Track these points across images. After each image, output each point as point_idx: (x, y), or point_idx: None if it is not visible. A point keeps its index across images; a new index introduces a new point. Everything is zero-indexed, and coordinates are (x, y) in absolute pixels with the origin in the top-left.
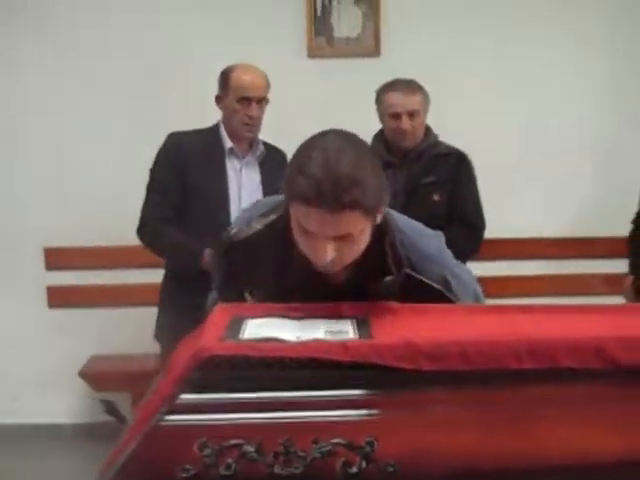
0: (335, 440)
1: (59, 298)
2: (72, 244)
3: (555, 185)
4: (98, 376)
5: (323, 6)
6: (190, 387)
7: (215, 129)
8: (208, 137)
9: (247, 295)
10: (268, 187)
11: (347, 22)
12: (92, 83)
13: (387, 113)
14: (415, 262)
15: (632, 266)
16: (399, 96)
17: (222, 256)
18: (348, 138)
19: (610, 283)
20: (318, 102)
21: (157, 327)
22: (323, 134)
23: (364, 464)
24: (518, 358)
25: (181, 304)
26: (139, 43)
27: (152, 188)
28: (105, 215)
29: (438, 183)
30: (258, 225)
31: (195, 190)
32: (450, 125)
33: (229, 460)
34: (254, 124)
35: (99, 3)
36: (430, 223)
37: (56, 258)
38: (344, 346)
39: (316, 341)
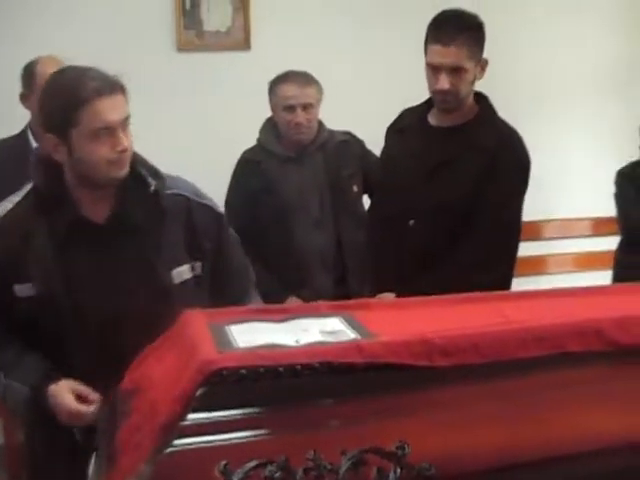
0: (363, 448)
1: None
2: None
3: None
4: None
5: None
6: (199, 405)
7: (22, 133)
8: (15, 143)
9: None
10: None
11: (217, 15)
12: None
13: (281, 105)
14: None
15: None
16: (293, 88)
17: None
18: None
19: None
20: (188, 96)
21: None
22: None
23: (399, 470)
24: (525, 346)
25: None
26: None
27: None
28: None
29: (354, 174)
30: (9, 204)
31: None
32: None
33: None
34: None
35: None
36: (353, 216)
37: None
38: (358, 347)
39: (324, 344)
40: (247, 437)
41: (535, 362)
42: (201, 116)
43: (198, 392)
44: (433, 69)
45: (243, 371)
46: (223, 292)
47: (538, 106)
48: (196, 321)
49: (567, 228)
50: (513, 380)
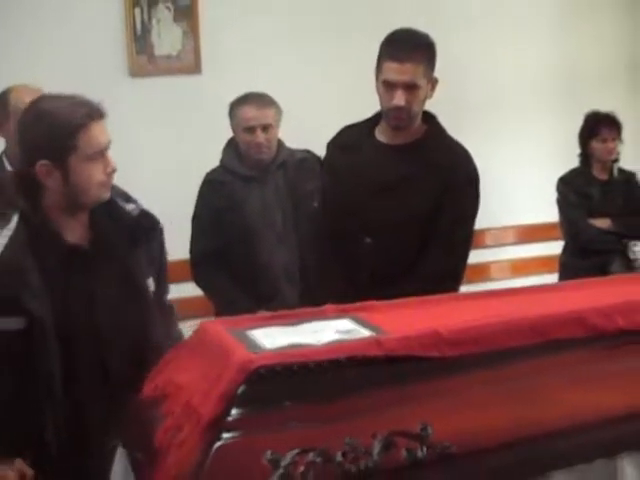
0: (392, 431)
1: None
2: None
3: None
4: None
5: (143, 24)
6: (242, 401)
7: None
8: None
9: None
10: None
11: (167, 40)
12: None
13: (241, 127)
14: None
15: None
16: (253, 110)
17: None
18: None
19: None
20: (142, 121)
21: None
22: None
23: (425, 449)
24: (520, 335)
25: None
26: None
27: None
28: None
29: (314, 190)
30: (4, 239)
31: None
32: None
33: (302, 468)
34: None
35: None
36: (312, 231)
37: None
38: (378, 342)
39: (345, 341)
40: (288, 428)
41: (530, 349)
42: (154, 139)
43: (244, 388)
44: (388, 86)
45: (278, 368)
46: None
47: (475, 119)
48: (215, 329)
49: (505, 236)
50: (511, 365)
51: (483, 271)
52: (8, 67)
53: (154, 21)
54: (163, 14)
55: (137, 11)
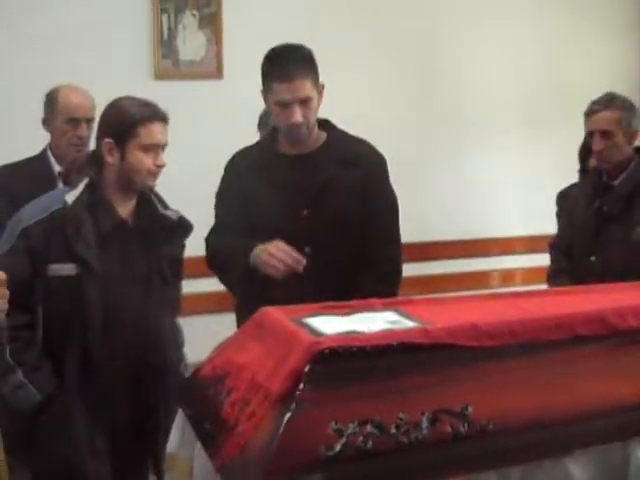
0: (437, 409)
1: None
2: None
3: None
4: None
5: (169, 30)
6: (309, 378)
7: (43, 155)
8: (36, 165)
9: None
10: None
11: (192, 46)
12: None
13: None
14: None
15: None
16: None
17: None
18: None
19: None
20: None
21: None
22: None
23: (466, 426)
24: (549, 330)
25: None
26: None
27: None
28: None
29: None
30: (72, 197)
31: None
32: None
33: (361, 438)
34: (83, 144)
35: None
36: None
37: None
38: (425, 331)
39: (395, 330)
40: (348, 402)
41: (556, 342)
42: (178, 141)
43: (311, 367)
44: (283, 106)
45: (340, 350)
46: None
47: (471, 133)
48: (275, 317)
49: (507, 246)
50: (540, 356)
51: (484, 279)
52: (37, 69)
53: (180, 27)
54: (189, 21)
55: (164, 17)
